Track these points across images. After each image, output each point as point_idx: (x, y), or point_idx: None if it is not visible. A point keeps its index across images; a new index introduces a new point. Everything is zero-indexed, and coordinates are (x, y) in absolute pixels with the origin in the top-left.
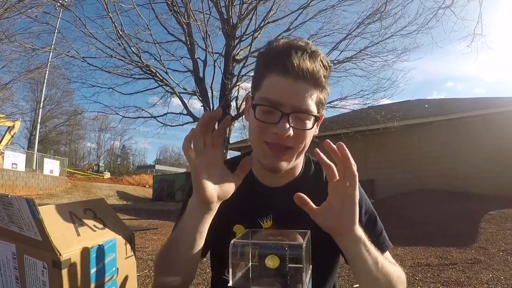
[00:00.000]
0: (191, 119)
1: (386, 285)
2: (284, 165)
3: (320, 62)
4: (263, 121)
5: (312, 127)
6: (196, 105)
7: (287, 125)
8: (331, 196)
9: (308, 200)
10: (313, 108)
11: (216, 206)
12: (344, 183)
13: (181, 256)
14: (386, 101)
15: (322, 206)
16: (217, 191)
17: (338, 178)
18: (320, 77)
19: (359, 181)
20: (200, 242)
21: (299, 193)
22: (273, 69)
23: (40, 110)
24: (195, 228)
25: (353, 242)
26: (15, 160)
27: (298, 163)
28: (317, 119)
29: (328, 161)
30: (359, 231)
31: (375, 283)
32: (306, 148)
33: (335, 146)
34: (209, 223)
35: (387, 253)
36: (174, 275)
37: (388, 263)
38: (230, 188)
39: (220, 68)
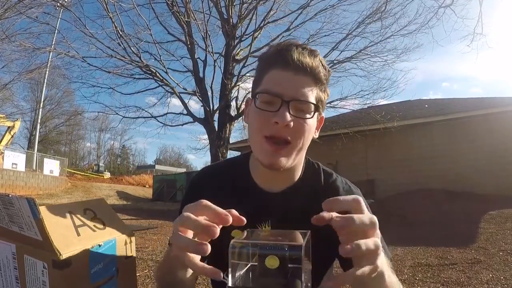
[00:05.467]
0: (191, 119)
1: None
2: (283, 161)
3: (320, 61)
4: (264, 109)
5: (312, 117)
6: (195, 106)
7: (287, 113)
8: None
9: None
10: (312, 100)
11: None
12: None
13: (178, 283)
14: (386, 101)
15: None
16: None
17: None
18: (320, 73)
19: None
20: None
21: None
22: (274, 65)
23: (40, 110)
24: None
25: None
26: (15, 160)
27: (298, 165)
28: (317, 109)
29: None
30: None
31: None
32: (305, 147)
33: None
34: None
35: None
36: None
37: (395, 279)
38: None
39: (220, 68)
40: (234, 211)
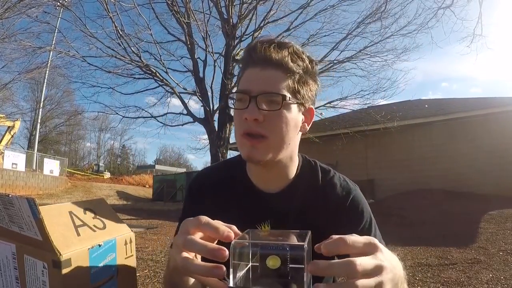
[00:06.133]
0: (191, 119)
1: None
2: (260, 154)
3: (292, 52)
4: (237, 108)
5: (281, 107)
6: (195, 106)
7: (255, 108)
8: None
9: None
10: (282, 92)
11: None
12: None
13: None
14: (386, 101)
15: None
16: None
17: None
18: (288, 64)
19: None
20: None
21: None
22: (245, 65)
23: (40, 110)
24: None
25: None
26: (15, 160)
27: (289, 162)
28: (284, 98)
29: None
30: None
31: None
32: (288, 140)
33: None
34: None
35: None
36: None
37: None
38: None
39: (220, 68)
40: (235, 228)
